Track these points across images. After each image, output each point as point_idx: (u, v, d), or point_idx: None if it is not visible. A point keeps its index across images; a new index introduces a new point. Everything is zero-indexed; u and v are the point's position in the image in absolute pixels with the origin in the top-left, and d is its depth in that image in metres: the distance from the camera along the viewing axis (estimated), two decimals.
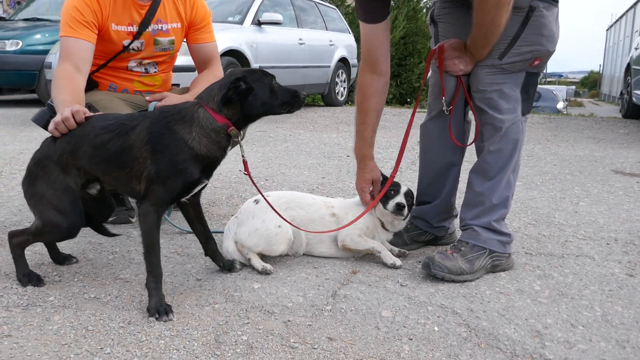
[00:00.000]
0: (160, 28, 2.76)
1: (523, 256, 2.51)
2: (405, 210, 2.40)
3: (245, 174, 2.06)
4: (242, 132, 1.97)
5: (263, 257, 2.31)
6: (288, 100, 1.97)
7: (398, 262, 2.32)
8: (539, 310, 1.95)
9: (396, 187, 2.46)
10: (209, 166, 1.93)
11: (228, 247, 2.32)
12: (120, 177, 1.93)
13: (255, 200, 2.39)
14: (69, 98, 2.29)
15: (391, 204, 2.39)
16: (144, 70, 2.86)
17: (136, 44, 2.73)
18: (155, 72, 2.89)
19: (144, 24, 2.68)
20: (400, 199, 2.40)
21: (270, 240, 2.27)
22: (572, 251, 2.59)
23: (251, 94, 1.90)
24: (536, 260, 2.46)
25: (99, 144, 1.94)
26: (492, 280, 2.21)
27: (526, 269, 2.36)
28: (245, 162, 2.06)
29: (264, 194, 2.42)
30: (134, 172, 1.89)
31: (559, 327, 1.84)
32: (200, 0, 2.87)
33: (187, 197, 2.03)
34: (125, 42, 2.70)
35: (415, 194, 2.59)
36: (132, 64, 2.81)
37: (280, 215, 2.24)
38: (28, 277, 2.04)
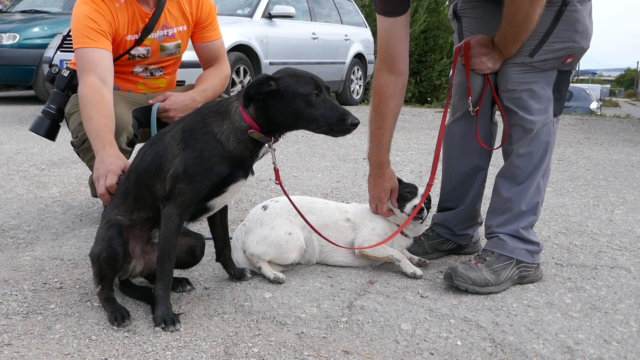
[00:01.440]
0: (166, 34, 2.82)
1: (553, 267, 2.51)
2: (425, 213, 2.42)
3: (276, 183, 2.09)
4: (272, 139, 1.93)
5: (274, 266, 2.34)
6: (328, 120, 1.85)
7: (419, 271, 2.34)
8: (570, 325, 1.96)
9: (412, 189, 2.48)
10: (238, 165, 1.93)
11: (238, 258, 2.36)
12: (156, 186, 1.93)
13: (263, 207, 2.43)
14: (101, 123, 2.33)
15: (408, 206, 2.41)
16: (149, 74, 2.93)
17: (142, 51, 2.80)
18: (160, 75, 2.96)
19: (146, 31, 2.74)
20: (417, 201, 2.42)
21: (280, 247, 2.30)
22: (606, 262, 2.59)
23: (277, 97, 1.85)
24: (567, 272, 2.46)
25: (141, 163, 1.97)
26: (519, 293, 2.22)
27: (556, 280, 2.36)
28: (276, 170, 2.07)
29: (274, 199, 2.45)
30: (163, 172, 1.91)
31: (591, 343, 1.85)
32: None
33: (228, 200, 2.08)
34: (132, 51, 2.77)
35: (437, 198, 2.60)
36: (137, 69, 2.88)
37: (306, 220, 2.28)
38: (115, 315, 1.89)
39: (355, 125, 1.86)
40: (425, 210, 2.44)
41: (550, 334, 1.90)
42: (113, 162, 2.18)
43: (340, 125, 1.86)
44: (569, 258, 2.63)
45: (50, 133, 2.88)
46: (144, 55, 2.81)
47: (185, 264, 2.18)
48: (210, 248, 2.35)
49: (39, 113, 2.89)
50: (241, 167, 1.94)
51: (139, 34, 2.73)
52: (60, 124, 2.92)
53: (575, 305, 2.12)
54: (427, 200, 2.48)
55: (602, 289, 2.28)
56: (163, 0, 2.74)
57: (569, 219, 3.29)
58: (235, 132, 1.89)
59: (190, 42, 2.96)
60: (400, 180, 2.55)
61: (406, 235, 2.50)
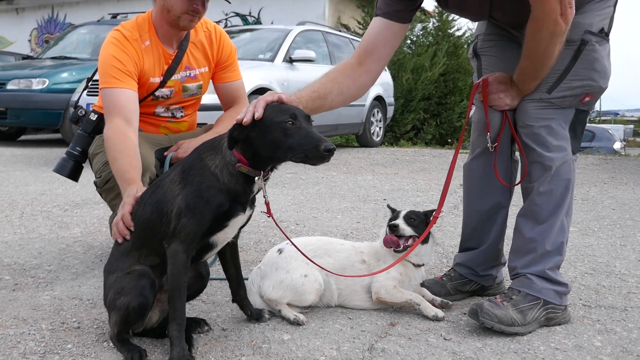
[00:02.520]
0: (188, 74, 2.87)
1: (581, 308, 2.43)
2: (406, 229, 2.34)
3: (268, 216, 2.05)
4: (261, 173, 1.92)
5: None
6: (303, 148, 1.81)
7: (440, 313, 2.27)
8: None
9: (394, 212, 2.45)
10: (235, 200, 1.91)
11: (254, 302, 2.31)
12: (163, 231, 1.93)
13: (278, 250, 2.39)
14: (126, 163, 2.35)
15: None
16: (170, 115, 2.98)
17: (166, 92, 2.85)
18: (182, 116, 3.01)
19: (170, 72, 2.80)
20: (397, 221, 2.36)
21: (297, 290, 2.26)
22: (637, 304, 2.49)
23: (256, 128, 1.86)
24: (596, 314, 2.37)
25: (143, 214, 1.98)
26: (546, 335, 2.14)
27: (585, 322, 2.28)
28: (267, 204, 2.04)
29: (292, 240, 2.41)
30: (167, 214, 1.91)
31: None
32: (226, 39, 2.97)
33: (232, 237, 2.06)
34: (156, 92, 2.82)
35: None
36: (159, 109, 2.93)
37: (312, 261, 2.24)
38: (131, 355, 1.87)
39: (330, 151, 1.79)
40: (410, 227, 2.35)
41: None
42: (132, 194, 2.15)
43: (314, 152, 1.80)
44: (597, 299, 2.54)
45: (73, 174, 2.92)
46: (167, 95, 2.85)
47: (196, 290, 2.17)
48: (227, 289, 2.32)
49: (63, 154, 2.93)
50: (238, 202, 1.92)
51: (163, 75, 2.77)
52: (83, 165, 2.95)
53: (606, 349, 2.03)
54: (413, 218, 2.39)
55: (634, 331, 2.19)
56: (186, 43, 2.80)
57: (595, 259, 3.19)
58: (227, 167, 1.89)
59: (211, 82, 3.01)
60: (394, 210, 2.50)
61: (418, 266, 2.42)
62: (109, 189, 2.67)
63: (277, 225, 2.18)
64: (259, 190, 1.98)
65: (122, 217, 2.04)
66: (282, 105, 1.92)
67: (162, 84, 2.80)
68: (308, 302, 2.29)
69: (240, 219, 1.97)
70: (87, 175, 2.97)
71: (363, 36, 2.38)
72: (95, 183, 2.78)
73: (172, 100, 2.90)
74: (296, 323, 2.19)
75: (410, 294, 2.33)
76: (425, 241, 2.40)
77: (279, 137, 1.83)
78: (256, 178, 1.91)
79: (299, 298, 2.26)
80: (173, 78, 2.82)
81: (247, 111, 1.88)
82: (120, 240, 2.03)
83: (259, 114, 1.86)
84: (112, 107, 2.55)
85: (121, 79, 2.59)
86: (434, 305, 2.35)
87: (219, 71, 2.96)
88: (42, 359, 1.87)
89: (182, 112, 2.99)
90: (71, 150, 2.90)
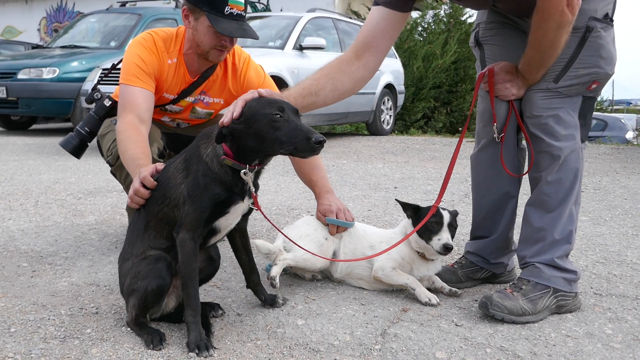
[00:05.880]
0: (202, 99, 2.93)
1: (592, 297, 2.46)
2: (450, 248, 2.32)
3: (255, 209, 2.06)
4: (247, 166, 1.91)
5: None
6: (292, 140, 1.80)
7: (434, 299, 2.31)
8: (612, 356, 1.91)
9: (439, 217, 2.35)
10: (230, 189, 1.93)
11: (277, 243, 2.53)
12: (175, 217, 1.98)
13: (310, 214, 2.65)
14: (138, 152, 2.40)
15: (437, 243, 2.31)
16: (175, 126, 3.08)
17: (174, 108, 2.93)
18: (186, 127, 3.10)
19: (184, 94, 2.86)
20: (446, 236, 2.32)
21: (316, 246, 2.45)
22: None
23: (241, 120, 1.87)
24: (607, 302, 2.40)
25: (151, 199, 2.05)
26: (557, 322, 2.17)
27: (596, 310, 2.31)
28: (254, 197, 2.03)
29: (282, 231, 2.46)
30: (171, 200, 1.97)
31: None
32: (252, 73, 2.94)
33: (236, 223, 2.10)
34: (166, 106, 2.90)
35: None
36: (165, 118, 3.02)
37: (299, 245, 2.39)
38: (151, 338, 1.92)
39: (320, 143, 1.78)
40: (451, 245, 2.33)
41: None
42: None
43: (305, 145, 1.79)
44: (608, 288, 2.57)
45: (77, 151, 3.02)
46: (175, 111, 2.95)
47: (209, 274, 2.24)
48: (241, 275, 2.36)
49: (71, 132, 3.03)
50: (233, 192, 1.95)
51: (177, 95, 2.85)
52: (88, 144, 3.05)
53: (617, 336, 2.07)
54: (453, 227, 2.39)
55: None
56: (210, 72, 2.84)
57: (607, 248, 3.21)
58: (217, 157, 1.93)
59: None
60: (419, 207, 2.50)
61: (429, 259, 2.44)
62: (121, 165, 2.71)
63: (264, 216, 2.18)
64: (255, 182, 2.01)
65: (143, 179, 2.05)
66: (269, 98, 1.93)
67: (173, 102, 2.87)
68: (317, 266, 2.48)
69: (240, 207, 2.01)
70: (99, 164, 3.04)
71: (361, 29, 2.39)
72: (108, 163, 2.85)
73: (179, 116, 2.99)
74: (271, 281, 2.29)
75: (408, 277, 2.38)
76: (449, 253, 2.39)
77: (266, 129, 1.83)
78: (242, 172, 1.92)
79: (311, 258, 2.42)
80: (186, 99, 2.88)
81: (228, 111, 1.92)
82: (136, 205, 2.08)
83: (237, 112, 1.88)
84: (128, 103, 2.61)
85: (142, 79, 2.65)
86: (442, 293, 2.40)
87: None
88: (62, 344, 1.92)
89: (187, 124, 3.08)
90: (79, 129, 2.99)
